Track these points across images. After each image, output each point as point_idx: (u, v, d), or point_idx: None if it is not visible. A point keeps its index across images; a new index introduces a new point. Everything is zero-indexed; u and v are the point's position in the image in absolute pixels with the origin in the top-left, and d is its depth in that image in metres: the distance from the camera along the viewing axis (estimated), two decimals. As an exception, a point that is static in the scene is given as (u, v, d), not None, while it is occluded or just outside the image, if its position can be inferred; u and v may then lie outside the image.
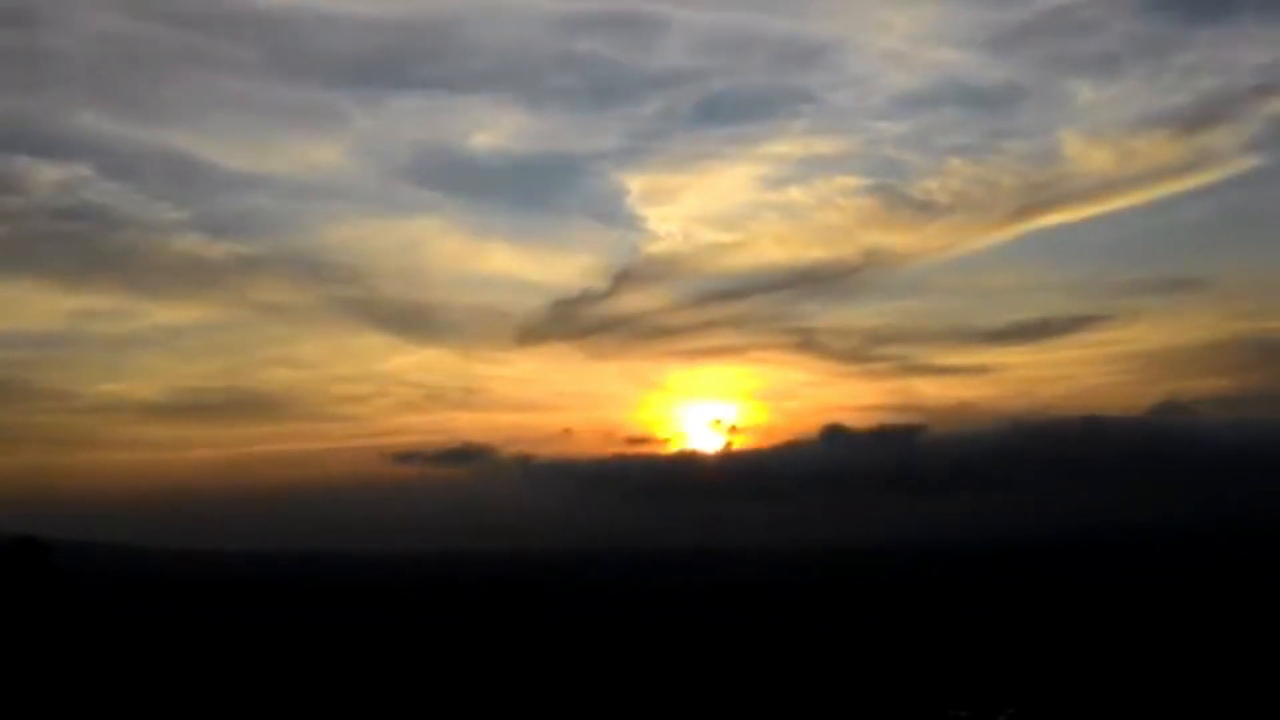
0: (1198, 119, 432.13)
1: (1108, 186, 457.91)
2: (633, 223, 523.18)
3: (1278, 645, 55.54)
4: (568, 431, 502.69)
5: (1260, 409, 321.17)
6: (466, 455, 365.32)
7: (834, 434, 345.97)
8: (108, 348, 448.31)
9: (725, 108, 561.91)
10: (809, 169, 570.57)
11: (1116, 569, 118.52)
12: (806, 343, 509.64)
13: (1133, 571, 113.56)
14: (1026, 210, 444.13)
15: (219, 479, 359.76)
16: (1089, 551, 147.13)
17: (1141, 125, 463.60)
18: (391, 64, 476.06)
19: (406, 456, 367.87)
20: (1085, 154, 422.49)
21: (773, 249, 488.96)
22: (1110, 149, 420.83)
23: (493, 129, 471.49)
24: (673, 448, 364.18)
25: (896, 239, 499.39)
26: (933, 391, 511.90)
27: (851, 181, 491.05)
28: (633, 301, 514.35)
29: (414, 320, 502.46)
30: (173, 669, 54.62)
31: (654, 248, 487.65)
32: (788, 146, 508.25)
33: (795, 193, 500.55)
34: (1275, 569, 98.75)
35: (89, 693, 44.96)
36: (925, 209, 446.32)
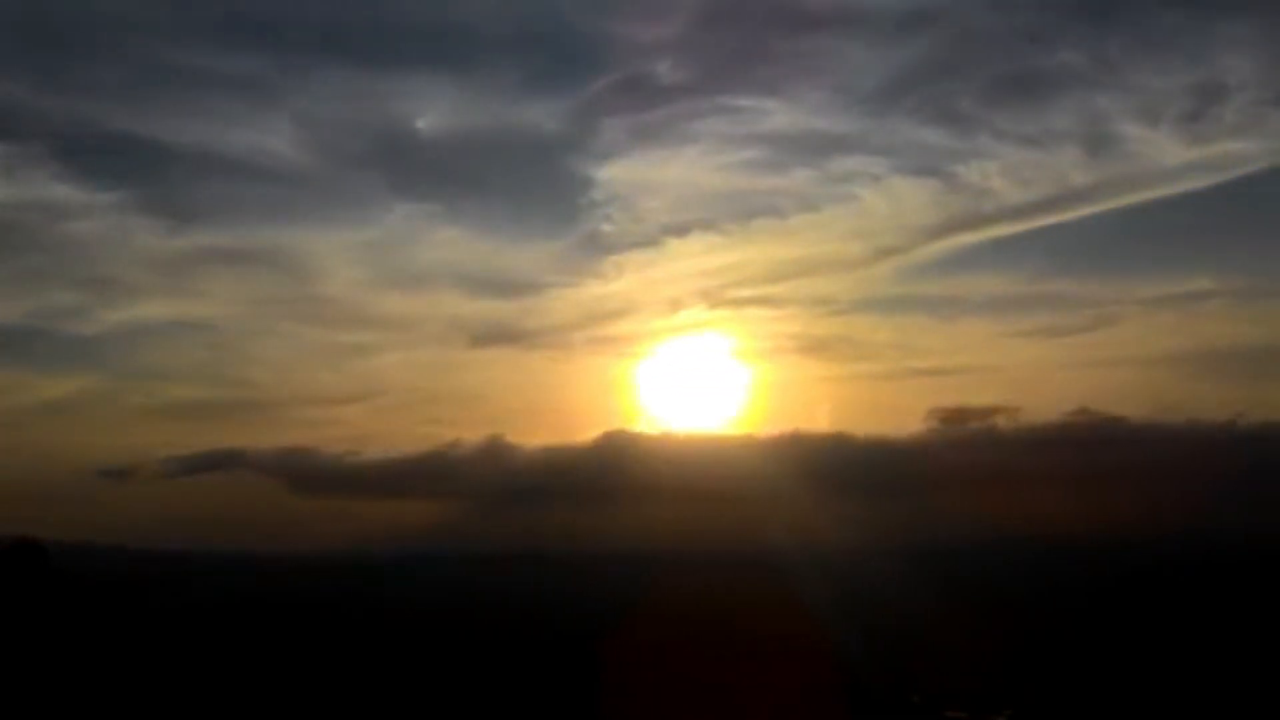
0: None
1: (1175, 172, 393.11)
2: (606, 213, 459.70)
3: (1274, 647, 55.72)
4: (532, 435, 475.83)
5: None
6: (428, 461, 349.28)
7: (828, 442, 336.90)
8: (68, 346, 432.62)
9: (710, 78, 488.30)
10: (815, 151, 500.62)
11: (1112, 571, 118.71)
12: (808, 345, 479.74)
13: (1129, 574, 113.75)
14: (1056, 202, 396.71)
15: (195, 480, 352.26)
16: (1082, 553, 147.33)
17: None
18: (339, 36, 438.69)
19: (367, 461, 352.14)
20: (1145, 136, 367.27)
21: (772, 242, 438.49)
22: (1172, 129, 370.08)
23: (449, 110, 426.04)
24: (641, 450, 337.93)
25: (907, 231, 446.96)
26: (940, 392, 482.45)
27: (866, 166, 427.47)
28: (608, 299, 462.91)
29: (368, 319, 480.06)
30: (169, 669, 54.70)
31: (630, 240, 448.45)
32: (790, 125, 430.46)
33: (804, 176, 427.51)
34: (1271, 573, 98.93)
35: (87, 691, 45.03)
36: (945, 197, 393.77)
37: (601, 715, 47.99)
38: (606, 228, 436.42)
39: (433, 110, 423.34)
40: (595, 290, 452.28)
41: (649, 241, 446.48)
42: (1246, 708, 43.55)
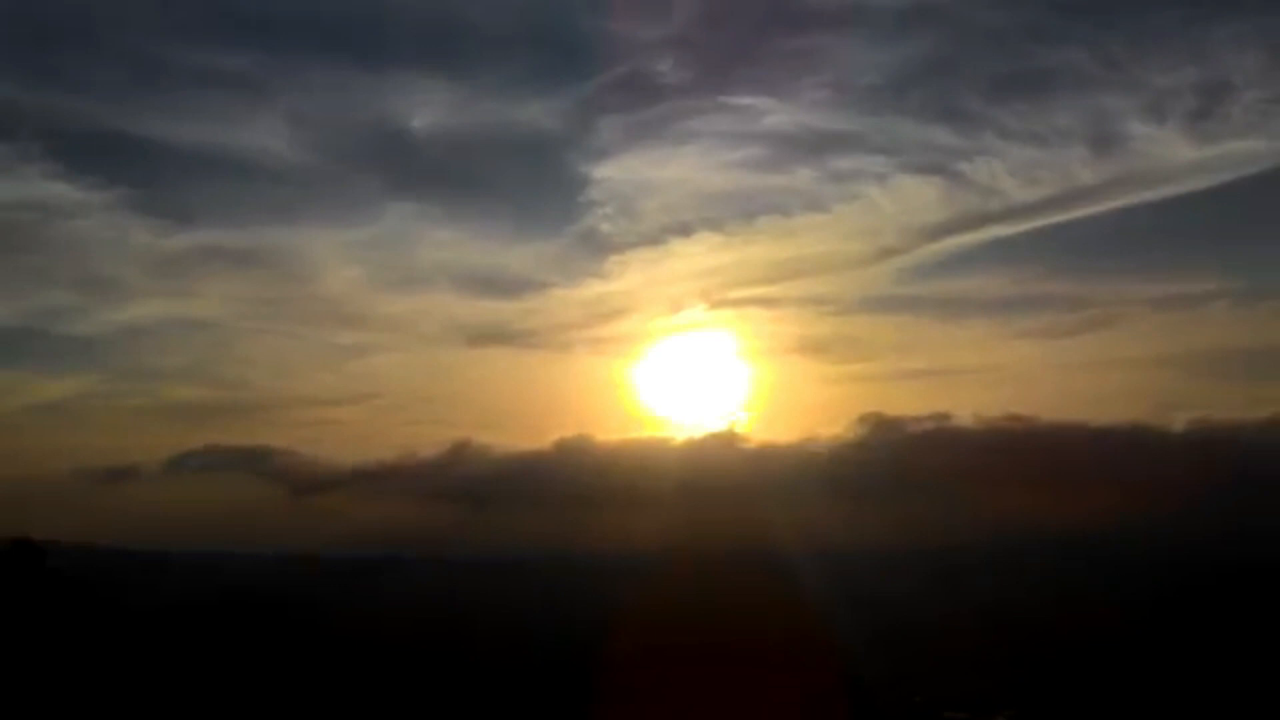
0: None
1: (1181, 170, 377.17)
2: (605, 212, 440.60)
3: (1273, 648, 55.79)
4: (524, 439, 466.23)
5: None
6: (425, 462, 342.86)
7: (810, 444, 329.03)
8: (63, 346, 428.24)
9: (709, 75, 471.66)
10: (817, 150, 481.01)
11: (1110, 571, 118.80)
12: (809, 345, 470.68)
13: (1127, 575, 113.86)
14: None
15: (193, 480, 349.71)
16: (1082, 554, 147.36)
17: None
18: (334, 33, 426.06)
19: (364, 462, 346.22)
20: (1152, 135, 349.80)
21: (773, 242, 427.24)
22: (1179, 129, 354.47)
23: (445, 108, 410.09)
24: (630, 455, 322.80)
25: (911, 230, 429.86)
26: (942, 392, 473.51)
27: (869, 165, 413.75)
28: (607, 299, 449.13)
29: (364, 319, 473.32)
30: (168, 669, 54.61)
31: (629, 239, 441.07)
32: (791, 123, 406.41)
33: (804, 174, 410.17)
34: (1268, 575, 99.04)
35: (84, 693, 44.97)
36: (950, 196, 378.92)
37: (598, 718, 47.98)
38: (605, 227, 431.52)
39: (429, 108, 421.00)
40: (595, 290, 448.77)
41: (648, 241, 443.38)
42: (1246, 707, 43.58)
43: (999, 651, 61.06)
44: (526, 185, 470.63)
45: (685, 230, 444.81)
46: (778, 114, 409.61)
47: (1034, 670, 54.14)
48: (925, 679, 53.14)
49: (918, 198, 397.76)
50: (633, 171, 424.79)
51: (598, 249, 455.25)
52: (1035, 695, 47.18)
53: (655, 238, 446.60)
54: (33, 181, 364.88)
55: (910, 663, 58.43)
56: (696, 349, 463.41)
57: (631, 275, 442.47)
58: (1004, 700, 46.08)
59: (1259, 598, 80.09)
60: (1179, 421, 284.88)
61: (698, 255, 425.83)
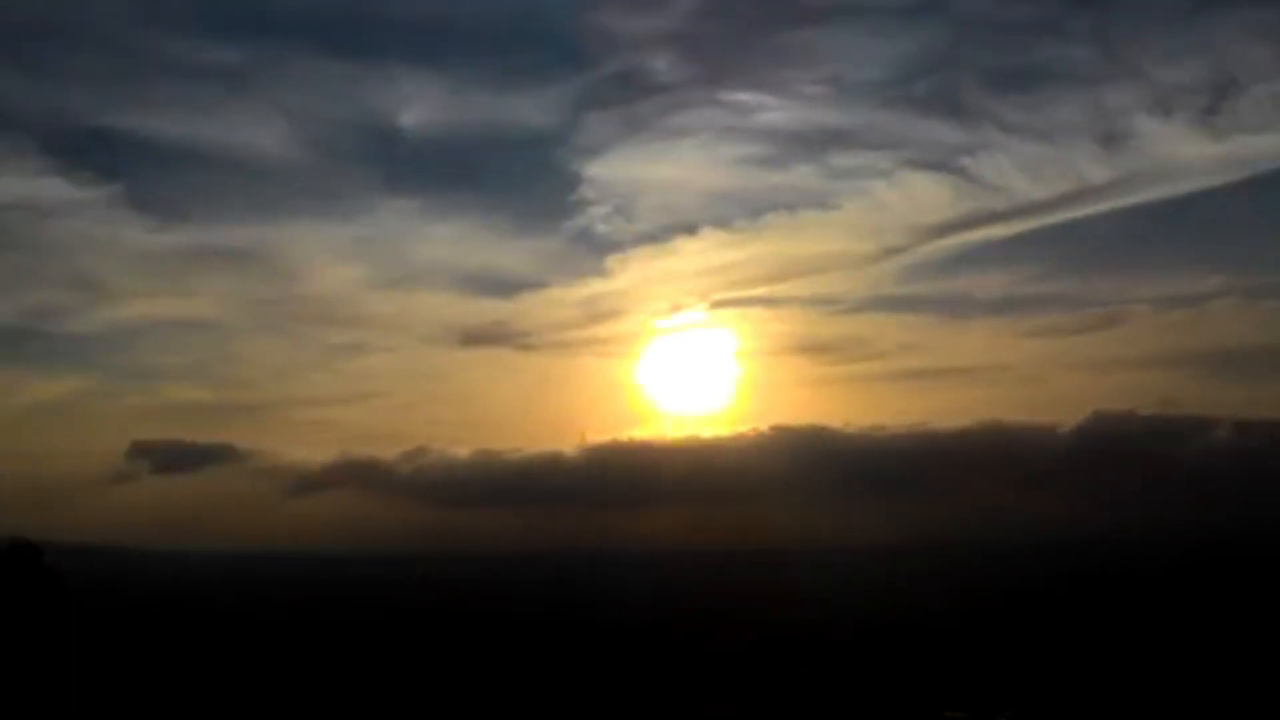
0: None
1: (1191, 167, 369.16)
2: (601, 210, 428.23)
3: (1273, 646, 55.79)
4: (515, 438, 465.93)
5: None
6: (420, 462, 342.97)
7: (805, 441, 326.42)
8: (58, 345, 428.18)
9: (707, 71, 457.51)
10: (819, 147, 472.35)
11: (1112, 571, 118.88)
12: (810, 344, 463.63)
13: (1127, 574, 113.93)
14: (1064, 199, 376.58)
15: (189, 480, 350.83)
16: (1084, 553, 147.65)
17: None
18: (327, 31, 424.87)
19: (360, 462, 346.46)
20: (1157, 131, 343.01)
21: (774, 240, 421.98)
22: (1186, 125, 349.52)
23: (438, 103, 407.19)
24: (622, 455, 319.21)
25: (915, 228, 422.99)
26: (945, 391, 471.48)
27: (876, 160, 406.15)
28: (605, 298, 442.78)
29: (358, 317, 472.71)
30: (165, 669, 54.56)
31: (626, 237, 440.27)
32: (793, 120, 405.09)
33: (804, 171, 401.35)
34: (1269, 574, 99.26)
35: (82, 694, 44.88)
36: (956, 193, 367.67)
37: (598, 714, 47.94)
38: (602, 226, 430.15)
39: (423, 104, 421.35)
40: (593, 289, 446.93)
41: (647, 238, 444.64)
42: (1245, 706, 43.55)
43: (998, 650, 61.08)
44: (522, 182, 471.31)
45: (685, 228, 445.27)
46: (777, 110, 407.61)
47: (1033, 669, 54.17)
48: (924, 678, 53.16)
49: (922, 194, 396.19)
50: (630, 168, 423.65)
51: (595, 247, 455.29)
52: (1035, 695, 47.17)
53: (655, 235, 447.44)
54: (27, 179, 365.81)
55: (909, 660, 58.39)
56: (697, 349, 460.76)
57: (631, 273, 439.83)
58: (1004, 700, 46.02)
59: (1262, 592, 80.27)
60: (1181, 418, 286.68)
61: (697, 254, 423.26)
